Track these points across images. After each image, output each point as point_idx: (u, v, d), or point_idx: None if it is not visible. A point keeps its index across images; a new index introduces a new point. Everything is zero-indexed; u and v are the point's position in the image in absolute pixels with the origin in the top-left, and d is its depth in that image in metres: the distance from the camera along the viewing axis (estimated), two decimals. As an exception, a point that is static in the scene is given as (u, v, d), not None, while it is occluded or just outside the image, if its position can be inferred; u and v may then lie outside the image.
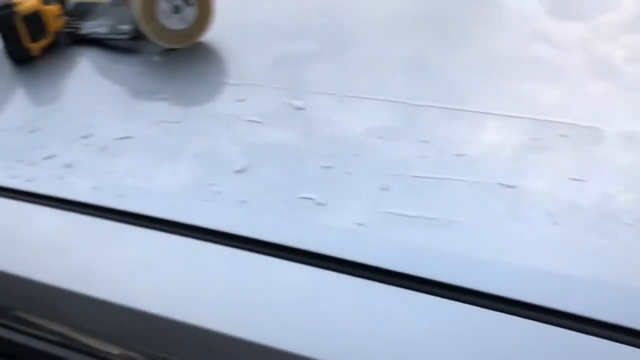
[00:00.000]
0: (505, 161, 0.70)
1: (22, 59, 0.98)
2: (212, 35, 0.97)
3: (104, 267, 0.64)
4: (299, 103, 0.81)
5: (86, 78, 0.94)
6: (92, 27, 1.01)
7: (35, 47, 0.98)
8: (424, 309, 0.57)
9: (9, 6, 0.95)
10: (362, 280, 0.60)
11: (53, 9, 1.00)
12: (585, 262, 0.59)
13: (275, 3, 1.07)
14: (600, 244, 0.60)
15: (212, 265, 0.64)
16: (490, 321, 0.55)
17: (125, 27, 0.98)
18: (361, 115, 0.79)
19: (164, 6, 0.94)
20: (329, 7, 1.03)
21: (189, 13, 0.95)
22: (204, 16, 0.96)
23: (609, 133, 0.72)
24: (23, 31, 0.96)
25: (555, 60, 0.85)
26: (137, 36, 0.98)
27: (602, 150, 0.70)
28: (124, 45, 1.00)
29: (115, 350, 0.65)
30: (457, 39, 0.92)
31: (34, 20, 0.97)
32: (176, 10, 0.94)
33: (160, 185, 0.71)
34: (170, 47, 0.96)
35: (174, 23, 0.95)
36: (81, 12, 1.02)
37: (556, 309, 0.55)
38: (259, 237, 0.64)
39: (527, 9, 0.98)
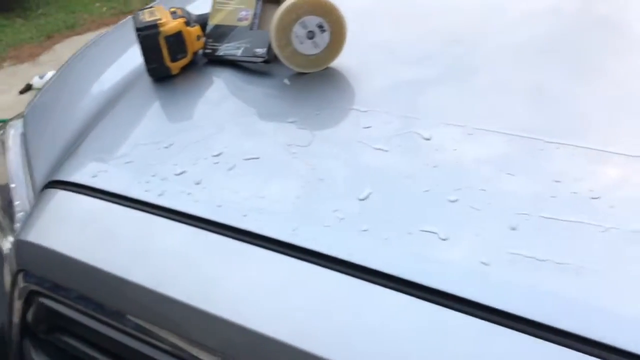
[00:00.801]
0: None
1: (161, 77, 1.03)
2: (341, 60, 0.98)
3: (226, 285, 0.66)
4: (426, 133, 0.80)
5: (220, 98, 0.97)
6: (229, 49, 1.05)
7: (175, 66, 1.03)
8: (543, 357, 0.55)
9: (155, 26, 1.01)
10: (482, 321, 0.58)
11: (194, 30, 1.05)
12: None
13: (400, 28, 1.06)
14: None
15: (331, 294, 0.64)
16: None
17: (260, 51, 1.01)
18: (490, 148, 0.76)
19: (298, 31, 0.96)
20: (458, 33, 1.01)
21: (322, 39, 0.97)
22: (336, 42, 0.97)
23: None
24: (165, 50, 1.01)
25: None
26: (270, 59, 1.00)
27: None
28: (258, 68, 1.02)
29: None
30: (589, 69, 0.88)
31: (176, 40, 1.02)
32: (310, 36, 0.96)
33: (283, 207, 0.72)
34: (302, 71, 0.98)
35: (307, 48, 0.96)
36: (220, 34, 1.06)
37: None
38: (377, 268, 0.63)
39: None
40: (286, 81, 0.98)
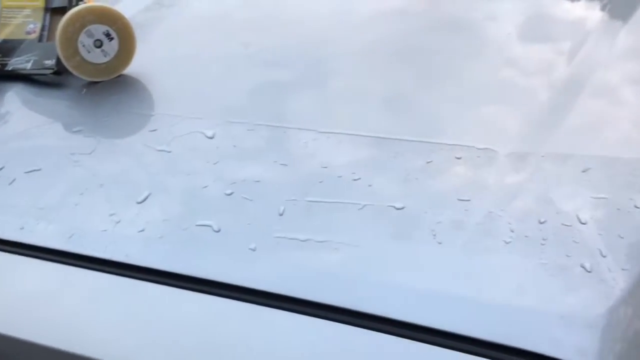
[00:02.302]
0: (398, 184, 0.71)
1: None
2: (139, 68, 0.99)
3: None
4: (209, 132, 0.83)
5: (7, 113, 0.95)
6: (19, 62, 1.02)
7: (-38, 83, 1.00)
8: (308, 331, 0.59)
9: None
10: (250, 305, 0.61)
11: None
12: (463, 281, 0.60)
13: (200, 38, 1.09)
14: (477, 262, 0.62)
15: (108, 296, 0.65)
16: (374, 341, 0.57)
17: (49, 62, 1.00)
18: (268, 142, 0.80)
19: (85, 41, 0.95)
20: (254, 40, 1.05)
21: (111, 47, 0.97)
22: (125, 50, 0.98)
23: (502, 154, 0.74)
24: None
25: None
26: (62, 70, 0.99)
27: (492, 171, 0.72)
28: (50, 80, 1.01)
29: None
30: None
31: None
32: (98, 44, 0.96)
33: (60, 216, 0.72)
34: (94, 80, 0.98)
35: (96, 57, 0.96)
36: (8, 49, 1.04)
37: (438, 328, 0.56)
38: (152, 266, 0.65)
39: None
40: (83, 91, 0.97)
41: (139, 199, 0.73)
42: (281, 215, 0.69)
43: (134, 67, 0.99)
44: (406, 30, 1.02)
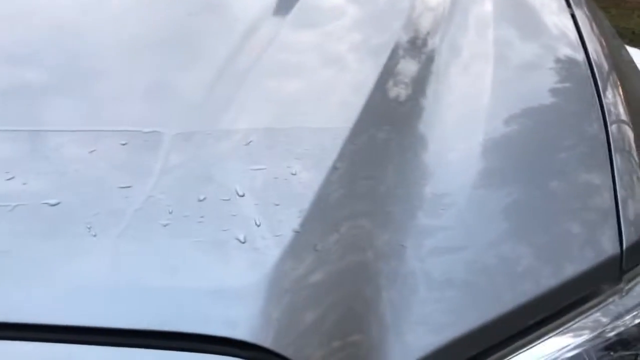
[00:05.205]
0: (56, 178, 0.67)
1: None
2: None
3: None
4: None
5: None
6: None
7: None
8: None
9: None
10: None
11: None
12: (115, 272, 0.58)
13: None
14: (132, 249, 0.59)
15: None
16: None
17: None
18: None
19: None
20: None
21: None
22: None
23: (169, 135, 0.72)
24: None
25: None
26: None
27: (157, 154, 0.70)
28: None
29: None
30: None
31: None
32: None
33: None
34: None
35: None
36: None
37: (87, 325, 0.53)
38: None
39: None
40: None
41: None
42: None
43: None
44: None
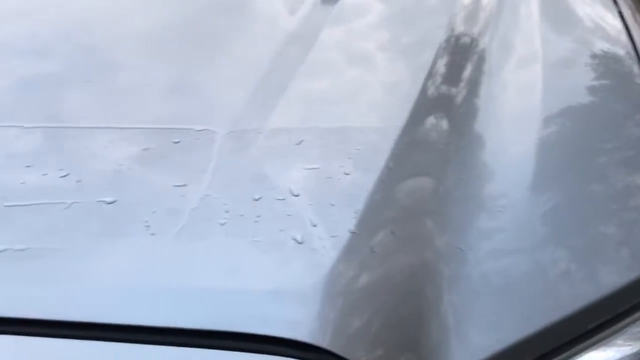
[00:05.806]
0: (111, 176, 0.67)
1: None
2: None
3: None
4: None
5: None
6: None
7: None
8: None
9: None
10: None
11: None
12: (176, 271, 0.57)
13: None
14: (191, 249, 0.59)
15: None
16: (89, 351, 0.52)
17: None
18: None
19: None
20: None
21: None
22: None
23: (220, 134, 0.72)
24: None
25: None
26: None
27: (210, 153, 0.70)
28: None
29: None
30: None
31: None
32: None
33: None
34: None
35: None
36: None
37: (151, 325, 0.53)
38: None
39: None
40: None
41: None
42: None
43: None
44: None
